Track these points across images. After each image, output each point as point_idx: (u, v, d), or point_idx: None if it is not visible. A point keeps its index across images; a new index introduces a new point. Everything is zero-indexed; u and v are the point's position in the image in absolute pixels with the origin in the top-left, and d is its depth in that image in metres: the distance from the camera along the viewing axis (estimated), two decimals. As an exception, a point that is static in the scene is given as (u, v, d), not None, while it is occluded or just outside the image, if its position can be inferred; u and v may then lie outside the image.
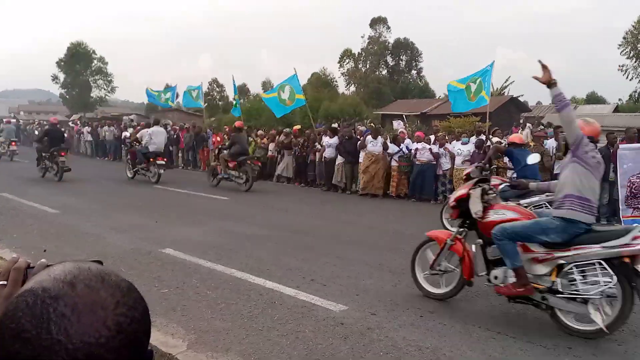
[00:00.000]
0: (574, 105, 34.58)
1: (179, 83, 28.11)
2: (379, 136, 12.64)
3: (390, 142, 12.55)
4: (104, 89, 53.76)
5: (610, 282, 3.80)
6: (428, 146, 11.80)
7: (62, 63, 50.91)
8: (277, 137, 15.39)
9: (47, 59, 67.74)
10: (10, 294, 0.70)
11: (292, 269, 5.82)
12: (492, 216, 4.48)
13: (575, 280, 3.98)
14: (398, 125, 20.00)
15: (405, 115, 28.30)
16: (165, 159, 13.86)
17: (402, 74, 54.22)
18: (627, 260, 3.84)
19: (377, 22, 53.09)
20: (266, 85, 57.39)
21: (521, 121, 23.77)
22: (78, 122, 30.04)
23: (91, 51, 52.27)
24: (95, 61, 52.63)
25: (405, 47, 53.76)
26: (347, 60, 53.41)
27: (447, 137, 12.62)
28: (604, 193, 9.74)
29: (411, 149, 12.10)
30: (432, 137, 12.42)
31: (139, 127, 20.44)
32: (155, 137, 13.56)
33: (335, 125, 20.11)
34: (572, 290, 3.99)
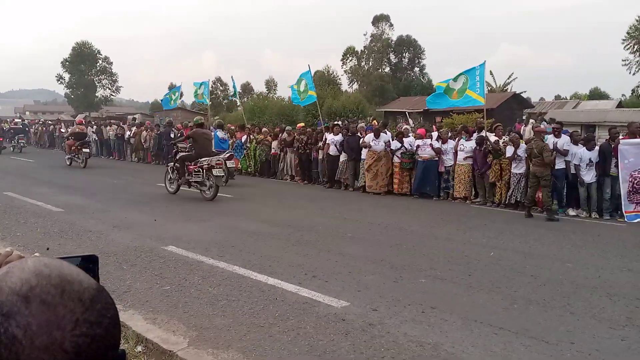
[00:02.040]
0: (577, 102, 34.39)
1: (183, 82, 28.37)
2: (383, 133, 12.59)
3: (394, 139, 12.50)
4: (109, 89, 53.99)
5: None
6: (429, 142, 11.74)
7: (67, 63, 51.08)
8: (280, 134, 15.40)
9: (52, 59, 68.03)
10: None
11: (294, 265, 5.83)
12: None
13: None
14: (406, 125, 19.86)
15: (408, 113, 28.21)
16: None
17: (404, 71, 54.11)
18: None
19: (380, 19, 52.97)
20: (270, 84, 57.49)
21: (524, 117, 23.64)
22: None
23: (96, 51, 52.44)
24: (100, 61, 52.80)
25: (407, 45, 53.63)
26: (350, 58, 53.34)
27: (449, 134, 12.54)
28: (606, 188, 9.67)
29: (413, 146, 12.04)
30: (435, 134, 12.33)
31: (142, 127, 20.52)
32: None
33: (338, 122, 20.02)
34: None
